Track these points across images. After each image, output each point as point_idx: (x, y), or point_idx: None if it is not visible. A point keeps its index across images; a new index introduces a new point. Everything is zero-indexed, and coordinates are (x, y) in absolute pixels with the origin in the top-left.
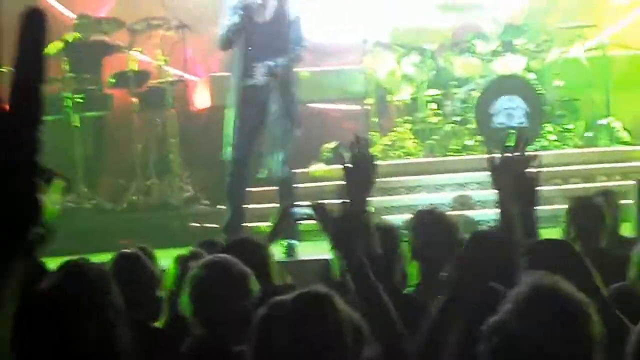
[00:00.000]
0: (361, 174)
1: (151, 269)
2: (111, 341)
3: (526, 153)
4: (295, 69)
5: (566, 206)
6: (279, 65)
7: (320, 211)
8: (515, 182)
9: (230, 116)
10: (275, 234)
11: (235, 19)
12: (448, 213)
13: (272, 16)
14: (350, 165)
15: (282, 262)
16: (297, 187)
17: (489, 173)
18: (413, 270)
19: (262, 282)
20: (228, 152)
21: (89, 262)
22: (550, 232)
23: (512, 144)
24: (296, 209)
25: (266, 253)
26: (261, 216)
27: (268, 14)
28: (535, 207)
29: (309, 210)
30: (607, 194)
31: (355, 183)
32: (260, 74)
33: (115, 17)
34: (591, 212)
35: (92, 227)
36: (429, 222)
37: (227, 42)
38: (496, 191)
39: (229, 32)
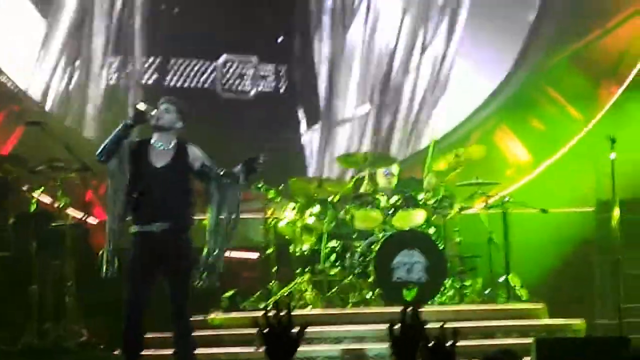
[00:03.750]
0: (284, 344)
1: None
2: None
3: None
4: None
5: None
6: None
7: None
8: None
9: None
10: None
11: (119, 128)
12: None
13: (170, 161)
14: (270, 336)
15: None
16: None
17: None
18: None
19: None
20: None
21: None
22: None
23: (410, 298)
24: None
25: None
26: None
27: (164, 158)
28: None
29: None
30: (508, 352)
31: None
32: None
33: (17, 155)
34: None
35: None
36: None
37: (106, 153)
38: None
39: (111, 140)
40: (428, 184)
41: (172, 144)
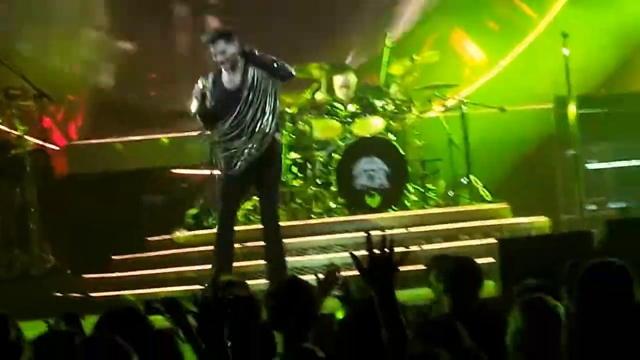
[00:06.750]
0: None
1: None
2: None
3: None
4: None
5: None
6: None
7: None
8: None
9: None
10: None
11: (195, 105)
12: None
13: (240, 79)
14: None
15: None
16: None
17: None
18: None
19: None
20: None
21: None
22: (416, 293)
23: (374, 205)
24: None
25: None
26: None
27: (235, 78)
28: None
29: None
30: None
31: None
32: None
33: None
34: (471, 273)
35: None
36: (286, 291)
37: (204, 124)
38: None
39: (200, 118)
40: (394, 92)
41: (241, 63)
